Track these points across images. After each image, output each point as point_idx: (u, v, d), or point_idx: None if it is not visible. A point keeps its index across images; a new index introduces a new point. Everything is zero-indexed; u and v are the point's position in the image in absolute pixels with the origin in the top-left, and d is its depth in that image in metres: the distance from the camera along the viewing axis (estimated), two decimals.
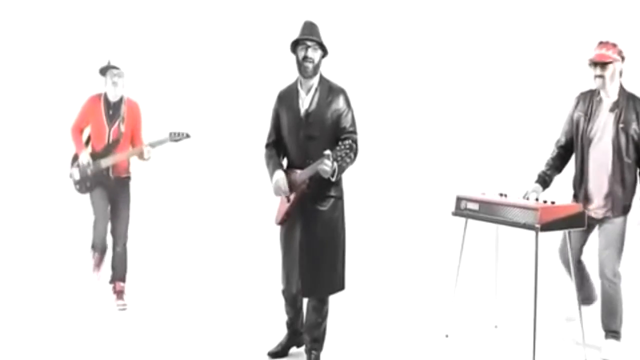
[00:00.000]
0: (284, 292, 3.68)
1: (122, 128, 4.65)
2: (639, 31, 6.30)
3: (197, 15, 7.34)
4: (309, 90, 3.46)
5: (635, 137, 3.59)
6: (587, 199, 3.76)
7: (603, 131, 3.65)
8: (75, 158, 4.74)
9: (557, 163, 3.94)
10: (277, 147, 3.63)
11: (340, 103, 3.44)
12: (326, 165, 3.21)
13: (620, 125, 3.58)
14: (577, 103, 3.81)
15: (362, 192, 7.06)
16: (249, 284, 5.42)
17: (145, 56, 7.08)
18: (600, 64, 3.57)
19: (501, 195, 3.87)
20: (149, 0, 7.33)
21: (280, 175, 3.49)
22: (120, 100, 4.68)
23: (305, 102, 3.47)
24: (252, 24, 7.27)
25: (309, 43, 3.38)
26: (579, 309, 3.74)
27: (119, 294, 4.78)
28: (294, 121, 3.47)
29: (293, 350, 3.82)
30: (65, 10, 7.19)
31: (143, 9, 7.29)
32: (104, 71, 4.65)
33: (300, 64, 3.41)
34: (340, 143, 3.22)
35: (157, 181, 6.76)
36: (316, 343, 3.60)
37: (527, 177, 4.16)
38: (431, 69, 7.14)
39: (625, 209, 3.69)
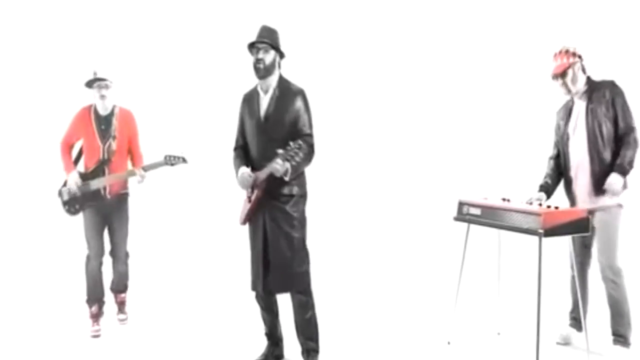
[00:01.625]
0: (257, 296, 3.68)
1: (114, 146, 4.39)
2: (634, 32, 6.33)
3: (192, 26, 7.30)
4: (267, 91, 3.58)
5: (610, 114, 3.72)
6: (576, 193, 3.80)
7: (578, 121, 3.81)
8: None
9: (555, 175, 3.97)
10: (244, 150, 3.70)
11: (297, 104, 3.52)
12: (277, 164, 3.30)
13: (590, 107, 3.73)
14: (557, 114, 4.01)
15: (364, 196, 7.04)
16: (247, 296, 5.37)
17: (136, 63, 7.02)
18: (559, 75, 3.76)
19: (504, 200, 3.85)
20: (141, 9, 7.30)
21: (244, 169, 3.57)
22: (112, 113, 4.41)
23: (264, 102, 3.57)
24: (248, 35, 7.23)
25: (259, 45, 3.52)
26: (584, 315, 3.70)
27: (120, 305, 4.62)
28: (255, 124, 3.58)
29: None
30: (54, 16, 7.16)
31: (136, 16, 7.25)
32: (90, 84, 4.37)
33: (253, 66, 3.54)
34: (291, 143, 3.31)
35: (152, 194, 6.70)
36: (312, 342, 3.58)
37: (530, 181, 4.13)
38: (434, 73, 7.12)
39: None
